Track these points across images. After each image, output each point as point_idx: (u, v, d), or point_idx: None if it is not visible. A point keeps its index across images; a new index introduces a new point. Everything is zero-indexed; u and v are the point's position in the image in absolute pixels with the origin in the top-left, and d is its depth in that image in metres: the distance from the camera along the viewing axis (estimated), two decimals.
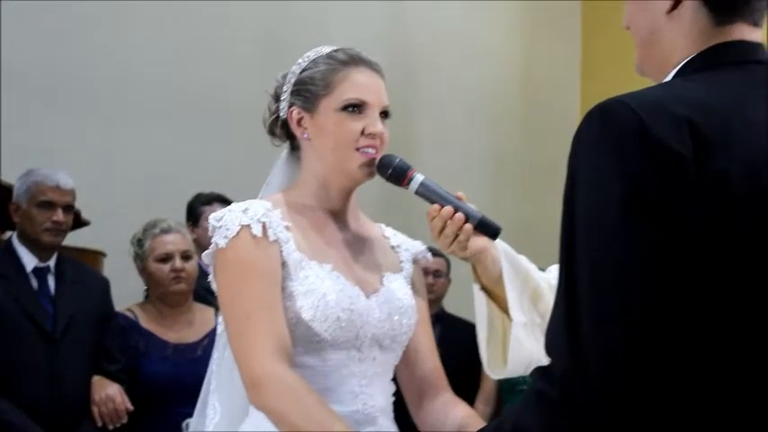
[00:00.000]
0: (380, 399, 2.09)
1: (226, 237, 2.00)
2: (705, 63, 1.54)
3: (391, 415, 2.14)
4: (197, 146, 5.66)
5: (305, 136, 2.12)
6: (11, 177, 3.99)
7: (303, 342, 2.00)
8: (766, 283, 1.41)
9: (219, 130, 5.61)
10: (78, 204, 3.97)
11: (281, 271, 2.01)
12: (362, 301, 2.06)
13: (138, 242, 3.95)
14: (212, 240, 2.03)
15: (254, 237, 2.00)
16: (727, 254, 1.39)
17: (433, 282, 5.17)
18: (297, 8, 6.12)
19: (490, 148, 7.15)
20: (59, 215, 3.73)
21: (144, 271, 3.95)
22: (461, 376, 3.24)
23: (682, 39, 1.57)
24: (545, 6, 7.51)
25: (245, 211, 2.02)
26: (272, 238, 2.01)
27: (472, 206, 2.09)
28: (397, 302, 2.12)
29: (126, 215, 4.77)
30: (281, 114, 2.15)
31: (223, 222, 2.01)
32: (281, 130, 2.18)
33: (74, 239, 4.34)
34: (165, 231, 3.91)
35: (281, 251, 2.02)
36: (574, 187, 1.44)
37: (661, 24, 1.59)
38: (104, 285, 3.95)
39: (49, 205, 3.73)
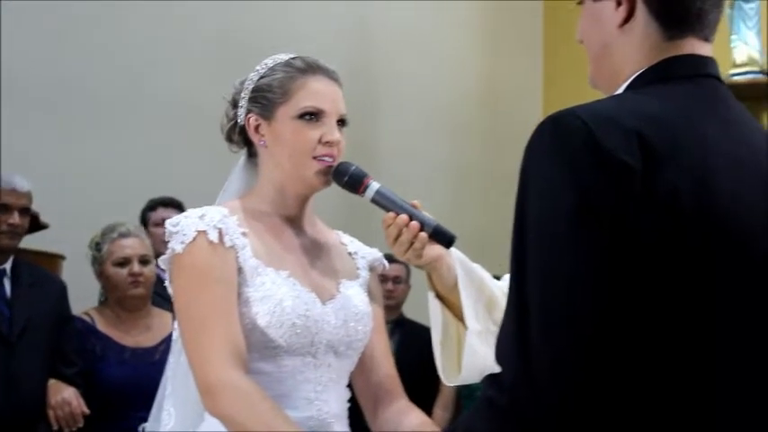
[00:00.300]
0: (335, 405, 2.09)
1: (182, 242, 2.00)
2: (656, 76, 1.56)
3: (346, 421, 2.15)
4: (158, 150, 5.63)
5: (262, 143, 2.13)
6: None
7: (258, 348, 2.01)
8: (715, 295, 1.43)
9: (181, 134, 5.58)
10: (38, 207, 3.95)
11: (237, 277, 2.01)
12: (318, 307, 2.07)
13: (97, 246, 3.94)
14: (169, 246, 2.03)
15: (211, 243, 2.00)
16: (676, 266, 1.40)
17: (392, 288, 5.19)
18: (258, 12, 6.11)
19: (451, 156, 7.15)
20: (15, 218, 3.72)
21: (102, 275, 3.94)
22: (421, 381, 3.25)
23: (633, 52, 1.58)
24: (507, 16, 7.53)
25: (201, 217, 2.03)
26: (228, 244, 2.02)
27: (428, 214, 2.11)
28: (353, 309, 2.13)
29: (86, 219, 4.72)
30: (239, 121, 2.16)
31: (179, 228, 2.02)
32: (239, 136, 2.18)
33: (33, 242, 4.31)
34: (124, 235, 3.90)
35: (237, 257, 2.02)
36: (525, 198, 1.45)
37: (613, 38, 1.60)
38: (61, 289, 3.92)
39: (5, 208, 3.72)
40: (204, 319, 1.95)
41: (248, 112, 2.14)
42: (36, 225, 4.24)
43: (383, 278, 5.00)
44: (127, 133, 5.54)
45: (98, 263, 3.92)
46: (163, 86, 5.67)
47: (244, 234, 2.06)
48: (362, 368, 2.21)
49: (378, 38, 6.83)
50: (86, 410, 3.66)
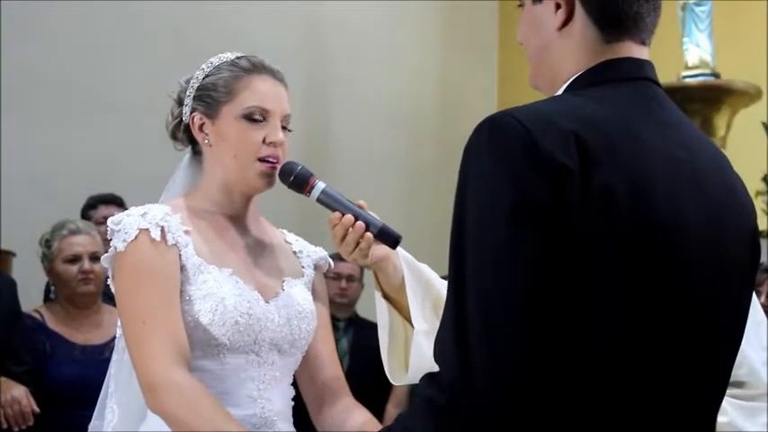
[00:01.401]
0: (279, 403, 2.09)
1: (124, 240, 2.00)
2: (594, 79, 1.57)
3: (290, 419, 2.14)
4: (107, 145, 5.60)
5: (206, 142, 2.12)
6: None
7: (201, 346, 2.00)
8: (651, 293, 1.45)
9: (131, 129, 5.55)
10: None
11: (179, 275, 2.01)
12: (261, 305, 2.07)
13: (46, 243, 3.91)
14: (111, 244, 2.02)
15: (153, 240, 2.00)
16: (612, 265, 1.42)
17: (345, 286, 5.19)
18: (214, 13, 6.08)
19: (406, 156, 7.17)
20: None
21: (51, 272, 3.91)
22: (374, 379, 3.25)
23: (571, 55, 1.59)
24: (462, 17, 7.56)
25: (143, 215, 2.02)
26: (170, 242, 2.01)
27: (373, 215, 2.11)
28: (297, 307, 2.13)
29: (36, 215, 4.70)
30: (184, 119, 2.15)
31: (122, 226, 2.01)
32: (184, 134, 2.17)
33: None
34: (74, 233, 3.87)
35: (179, 255, 2.02)
36: (463, 199, 1.45)
37: (552, 41, 1.61)
38: (11, 286, 3.89)
39: None
40: (146, 317, 1.95)
41: (193, 110, 2.13)
42: None
43: (336, 276, 5.06)
44: (76, 129, 5.51)
45: (48, 260, 3.90)
46: (115, 80, 5.64)
47: (186, 232, 2.05)
48: (307, 367, 2.21)
49: (333, 39, 6.83)
50: (36, 409, 3.63)
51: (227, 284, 2.03)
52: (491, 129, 1.45)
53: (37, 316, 3.89)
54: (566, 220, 1.38)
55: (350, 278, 5.22)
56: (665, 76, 5.82)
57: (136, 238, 1.99)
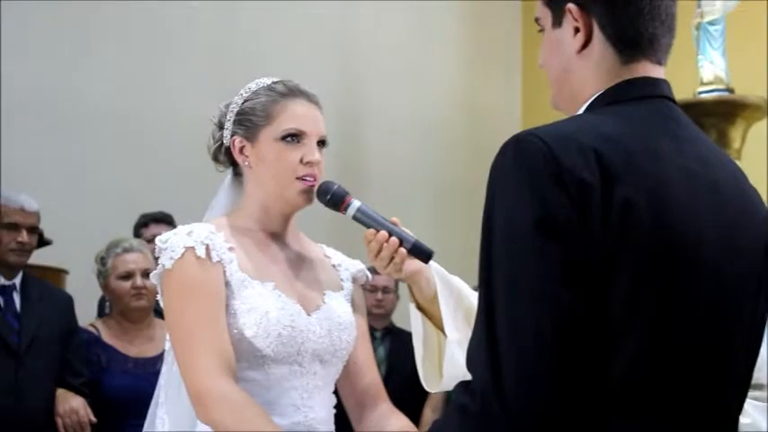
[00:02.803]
0: (321, 411, 2.09)
1: (171, 258, 2.00)
2: (612, 98, 1.56)
3: (332, 426, 2.14)
4: (158, 166, 5.63)
5: (246, 164, 2.13)
6: None
7: (247, 357, 2.00)
8: (673, 302, 1.43)
9: (181, 150, 5.56)
10: (41, 224, 3.94)
11: (224, 290, 2.01)
12: (303, 317, 2.07)
13: (101, 260, 3.94)
14: (159, 262, 2.03)
15: (198, 258, 2.00)
16: (634, 276, 1.40)
17: (381, 298, 5.18)
18: (246, 35, 6.10)
19: (435, 173, 7.15)
20: (24, 236, 3.72)
21: (106, 288, 3.93)
22: (410, 385, 3.23)
23: (591, 76, 1.59)
24: (487, 37, 7.54)
25: (189, 233, 2.03)
26: (215, 259, 2.02)
27: (407, 230, 2.11)
28: (337, 319, 2.13)
29: (88, 234, 4.73)
30: (225, 142, 2.16)
31: (169, 245, 2.02)
32: (225, 156, 2.19)
33: (37, 258, 4.30)
34: (127, 251, 3.90)
35: (224, 271, 2.02)
36: (491, 215, 1.45)
37: (572, 63, 1.61)
38: (68, 302, 3.92)
39: (14, 227, 3.72)
40: (193, 330, 1.95)
41: (233, 134, 2.14)
42: (40, 241, 4.24)
43: (373, 288, 5.05)
44: (129, 149, 5.54)
45: (103, 276, 3.93)
46: (164, 100, 5.66)
47: (230, 249, 2.05)
48: (348, 375, 2.21)
49: (364, 57, 6.82)
50: (93, 419, 3.65)
51: (270, 298, 2.03)
52: (515, 148, 1.45)
53: (93, 330, 3.91)
54: (589, 232, 1.38)
55: (385, 290, 5.21)
56: (682, 92, 5.78)
57: (182, 256, 2.00)
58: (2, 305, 3.68)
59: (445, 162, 7.18)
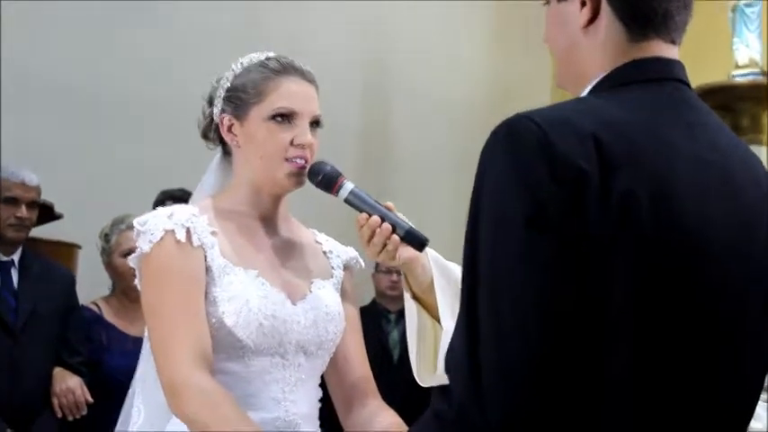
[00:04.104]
0: (304, 405, 1.98)
1: (150, 241, 1.91)
2: (619, 79, 1.44)
3: (316, 421, 2.03)
4: (178, 141, 5.54)
5: (235, 143, 2.02)
6: None
7: (226, 348, 1.90)
8: (676, 304, 1.31)
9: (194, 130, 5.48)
10: (54, 197, 3.87)
11: (204, 277, 1.91)
12: (288, 307, 1.96)
13: (105, 237, 3.87)
14: (137, 245, 1.92)
15: (178, 242, 1.90)
16: (633, 275, 1.29)
17: (397, 279, 5.08)
18: (273, 16, 6.00)
19: (462, 159, 7.04)
20: (23, 211, 3.65)
21: (109, 265, 3.86)
22: None
23: (597, 54, 1.47)
24: (516, 19, 7.39)
25: (170, 216, 1.93)
26: (196, 243, 1.91)
27: (402, 216, 2.00)
28: (324, 309, 2.02)
29: (102, 208, 4.65)
30: (215, 119, 2.05)
31: (147, 227, 1.92)
32: (214, 134, 2.08)
33: (50, 232, 4.23)
34: (132, 227, 3.80)
35: (205, 256, 1.92)
36: (478, 204, 1.34)
37: (578, 40, 1.49)
38: (69, 280, 3.85)
39: (14, 201, 3.65)
40: (170, 318, 1.85)
41: (222, 111, 2.03)
42: (50, 215, 4.17)
43: (388, 270, 4.93)
44: (151, 124, 5.47)
45: (106, 253, 3.86)
46: (179, 79, 5.58)
47: (213, 233, 1.95)
48: (336, 369, 2.10)
49: (391, 39, 6.72)
50: (90, 399, 3.57)
51: (252, 286, 1.92)
52: (507, 131, 1.34)
53: (94, 308, 3.85)
54: (582, 226, 1.26)
55: (400, 271, 5.09)
56: (716, 75, 5.63)
57: (161, 239, 1.90)
58: None
59: (473, 145, 7.05)
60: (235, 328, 1.88)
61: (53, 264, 3.91)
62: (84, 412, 3.56)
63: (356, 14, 6.45)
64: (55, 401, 3.54)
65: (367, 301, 5.16)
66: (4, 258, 3.64)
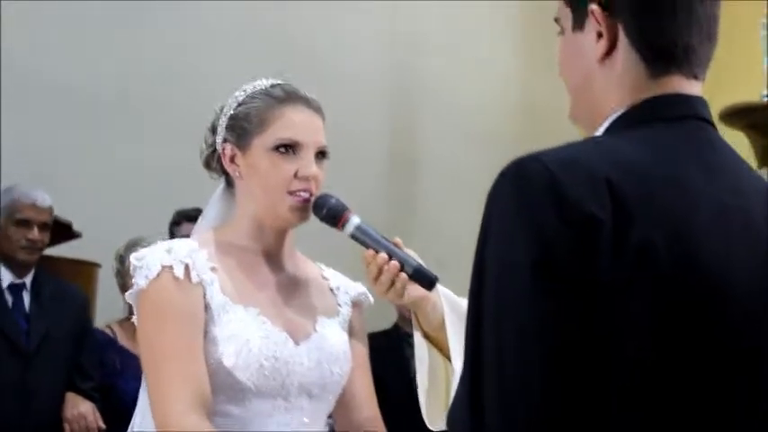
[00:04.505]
0: None
1: (146, 277, 1.82)
2: (637, 118, 1.35)
3: None
4: (194, 158, 5.49)
5: (237, 174, 1.94)
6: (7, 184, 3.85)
7: (225, 390, 1.81)
8: (693, 358, 1.22)
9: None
10: (74, 215, 3.82)
11: (203, 315, 1.82)
12: (290, 348, 1.87)
13: (120, 259, 3.81)
14: (134, 281, 1.85)
15: (176, 278, 1.82)
16: (651, 328, 1.19)
17: None
18: (298, 24, 5.95)
19: (491, 170, 6.95)
20: (35, 233, 3.60)
21: (124, 288, 3.79)
22: None
23: (614, 89, 1.37)
24: (546, 28, 7.30)
25: (168, 251, 1.85)
26: (195, 279, 1.83)
27: (411, 253, 1.91)
28: (329, 349, 1.93)
29: (123, 226, 4.60)
30: (217, 148, 1.97)
31: (144, 263, 1.84)
32: (217, 164, 2.00)
33: (70, 251, 4.19)
34: None
35: (204, 294, 1.84)
36: (483, 251, 1.25)
37: (593, 72, 1.39)
38: (83, 302, 3.80)
39: (25, 223, 3.61)
40: (166, 358, 1.78)
41: (225, 140, 1.95)
42: (68, 234, 4.12)
43: None
44: (169, 140, 5.42)
45: (121, 276, 3.80)
46: (196, 93, 5.53)
47: (212, 269, 1.87)
48: (344, 408, 2.01)
49: (419, 47, 6.67)
50: (102, 425, 3.54)
51: (252, 325, 1.84)
52: (515, 174, 1.26)
53: (108, 332, 3.78)
54: (594, 278, 1.17)
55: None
56: (747, 94, 5.50)
57: (158, 275, 1.82)
58: (10, 305, 3.56)
59: (500, 159, 6.98)
60: (234, 370, 1.80)
61: (66, 285, 3.87)
62: None
63: (384, 18, 6.41)
64: (67, 428, 3.50)
65: (388, 324, 5.07)
66: (17, 281, 3.61)
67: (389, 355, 4.39)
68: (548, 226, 1.18)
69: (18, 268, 3.61)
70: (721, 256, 1.24)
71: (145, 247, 3.55)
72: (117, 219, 4.95)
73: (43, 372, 3.51)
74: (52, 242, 3.94)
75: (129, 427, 2.04)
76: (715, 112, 5.19)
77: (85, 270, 4.57)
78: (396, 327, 5.10)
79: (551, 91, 7.20)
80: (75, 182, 5.01)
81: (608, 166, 1.23)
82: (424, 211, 6.44)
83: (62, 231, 4.09)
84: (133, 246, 3.76)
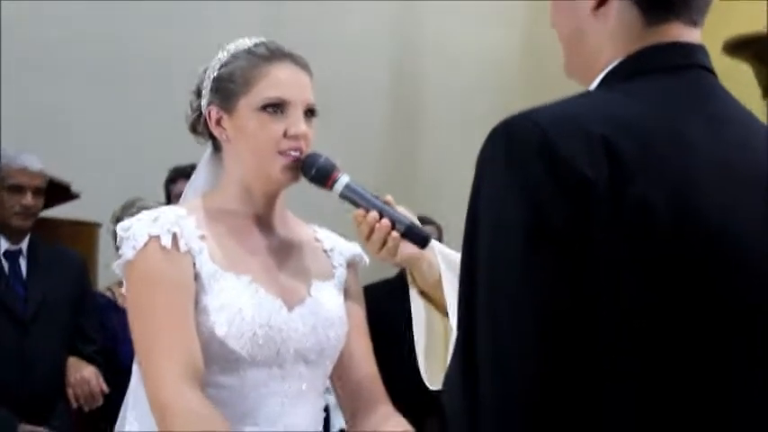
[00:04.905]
0: (305, 418, 1.85)
1: (133, 248, 1.77)
2: (633, 69, 1.28)
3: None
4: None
5: (224, 137, 1.87)
6: (8, 148, 3.80)
7: (219, 360, 1.76)
8: (691, 341, 1.17)
9: None
10: (75, 176, 3.76)
11: (193, 284, 1.77)
12: (283, 314, 1.82)
13: (117, 220, 3.74)
14: (120, 252, 1.79)
15: (164, 248, 1.76)
16: (649, 291, 1.15)
17: None
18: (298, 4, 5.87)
19: (493, 114, 6.87)
20: (29, 199, 3.55)
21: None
22: None
23: (608, 40, 1.30)
24: None
25: (155, 220, 1.79)
26: (183, 249, 1.77)
27: (403, 211, 1.85)
28: (324, 314, 1.88)
29: (123, 186, 4.56)
30: (203, 112, 1.90)
31: (131, 233, 1.78)
32: (203, 128, 1.93)
33: (71, 211, 4.15)
34: (143, 210, 3.69)
35: (193, 263, 1.78)
36: (475, 215, 1.21)
37: (586, 24, 1.32)
38: (80, 266, 3.75)
39: (18, 189, 3.55)
40: (157, 331, 1.73)
41: (209, 103, 1.88)
42: (67, 195, 4.07)
43: None
44: (168, 100, 5.34)
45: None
46: (198, 55, 5.46)
47: (201, 237, 1.81)
48: (342, 368, 1.96)
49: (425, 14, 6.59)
50: (105, 389, 3.49)
51: (244, 293, 1.78)
52: (506, 135, 1.20)
53: (109, 294, 3.74)
54: (589, 241, 1.13)
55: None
56: (750, 25, 5.39)
57: (145, 245, 1.76)
58: (7, 271, 3.52)
59: (503, 101, 6.93)
60: (227, 339, 1.75)
61: (63, 249, 3.82)
62: (100, 403, 3.50)
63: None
64: (70, 392, 3.47)
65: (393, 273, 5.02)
66: (12, 247, 3.56)
67: (394, 304, 4.35)
68: (539, 187, 1.14)
69: (13, 235, 3.56)
70: (725, 212, 1.20)
71: (142, 207, 3.55)
72: (117, 178, 4.91)
73: (41, 338, 3.46)
74: (51, 204, 3.90)
75: (121, 414, 1.98)
76: (719, 44, 5.10)
77: (85, 231, 4.53)
78: (400, 275, 5.05)
79: (558, 41, 7.15)
80: (74, 141, 4.97)
81: (603, 122, 1.18)
82: (426, 168, 6.40)
83: (60, 193, 4.04)
84: (130, 206, 3.71)
